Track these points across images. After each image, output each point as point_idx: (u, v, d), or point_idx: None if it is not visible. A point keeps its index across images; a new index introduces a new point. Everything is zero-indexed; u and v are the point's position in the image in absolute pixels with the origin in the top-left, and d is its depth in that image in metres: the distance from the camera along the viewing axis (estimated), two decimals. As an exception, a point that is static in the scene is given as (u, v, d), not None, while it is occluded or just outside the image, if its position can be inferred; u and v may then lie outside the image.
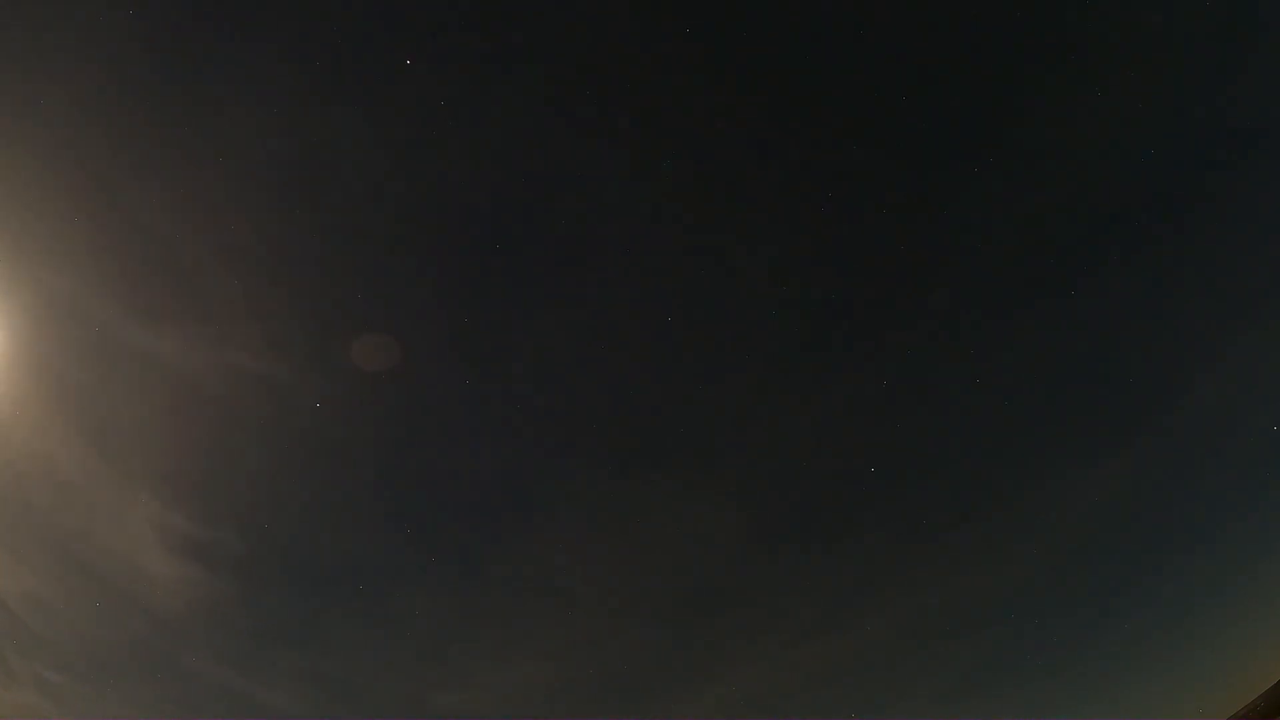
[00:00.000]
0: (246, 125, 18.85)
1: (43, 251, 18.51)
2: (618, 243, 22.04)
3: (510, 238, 20.79)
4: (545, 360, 21.69)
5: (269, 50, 18.54)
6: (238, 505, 20.22)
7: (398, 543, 21.47)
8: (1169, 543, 28.54)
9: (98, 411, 19.17)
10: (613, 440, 22.09)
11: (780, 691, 25.12)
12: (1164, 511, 28.46)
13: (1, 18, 17.44)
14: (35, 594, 19.35)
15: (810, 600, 26.47)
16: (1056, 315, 25.78)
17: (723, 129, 21.67)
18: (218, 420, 20.02)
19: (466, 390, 20.92)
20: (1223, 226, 24.52)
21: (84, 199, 18.77)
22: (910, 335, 25.34)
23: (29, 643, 19.46)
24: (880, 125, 22.57)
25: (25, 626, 19.31)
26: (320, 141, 19.58)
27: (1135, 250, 25.05)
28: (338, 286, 20.28)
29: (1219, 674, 27.97)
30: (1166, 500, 28.29)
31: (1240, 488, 27.28)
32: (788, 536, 25.50)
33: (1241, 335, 25.50)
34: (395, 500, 21.37)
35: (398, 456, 20.94)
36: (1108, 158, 23.33)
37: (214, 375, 19.29)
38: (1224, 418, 26.68)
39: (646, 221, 22.11)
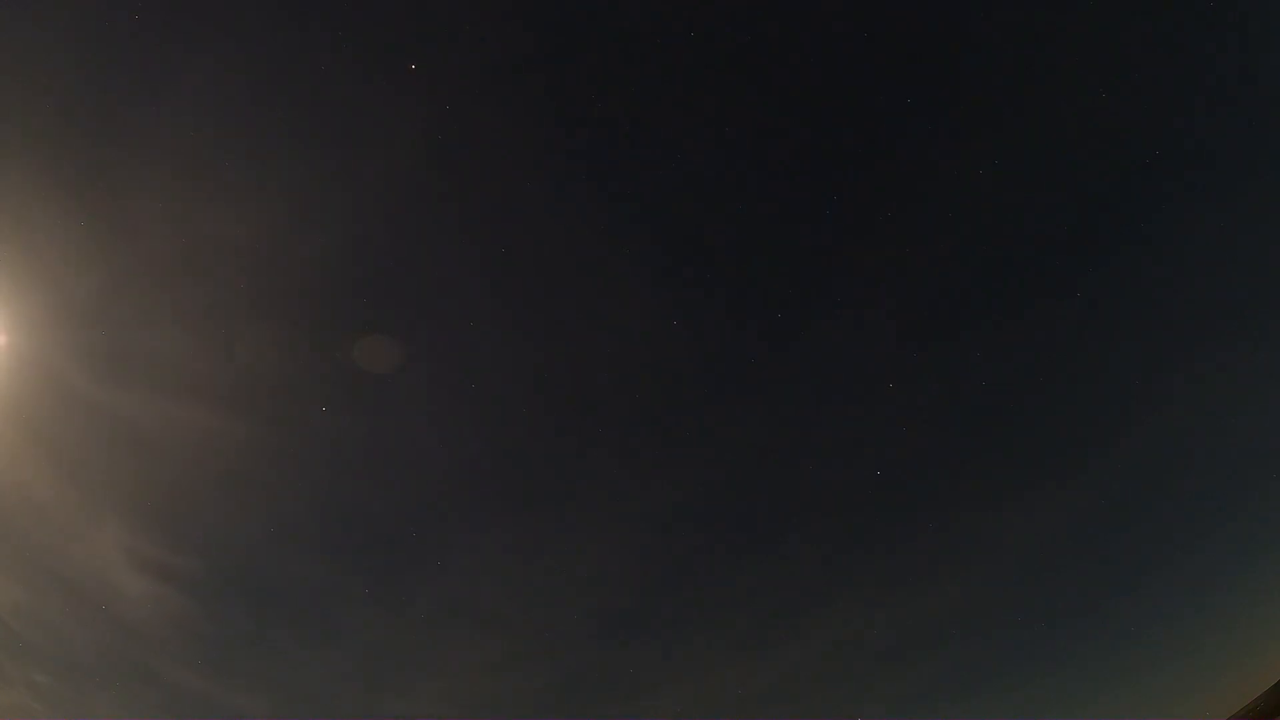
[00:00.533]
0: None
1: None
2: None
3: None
4: (445, 403, 23.50)
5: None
6: (195, 532, 22.94)
7: (335, 568, 24.53)
8: (1169, 543, 28.62)
9: (67, 449, 21.79)
10: (521, 480, 25.02)
11: (708, 708, 26.82)
12: (1164, 511, 28.60)
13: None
14: (22, 605, 21.99)
15: (736, 621, 28.05)
16: (1023, 323, 26.10)
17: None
18: (175, 462, 22.68)
19: (389, 435, 23.92)
20: (1177, 247, 24.60)
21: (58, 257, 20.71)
22: (867, 346, 25.92)
23: (18, 648, 22.15)
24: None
25: (15, 634, 21.99)
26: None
27: (1091, 267, 25.29)
28: (281, 353, 22.39)
29: (1219, 674, 27.97)
30: (1166, 500, 28.45)
31: (1240, 488, 27.28)
32: (710, 558, 27.30)
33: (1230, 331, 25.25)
34: (331, 531, 24.44)
35: (332, 494, 23.86)
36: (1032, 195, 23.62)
37: (170, 427, 21.95)
38: (1216, 416, 26.77)
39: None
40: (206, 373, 21.75)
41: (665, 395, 25.30)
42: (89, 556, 21.90)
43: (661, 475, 26.09)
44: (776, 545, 27.28)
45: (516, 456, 24.85)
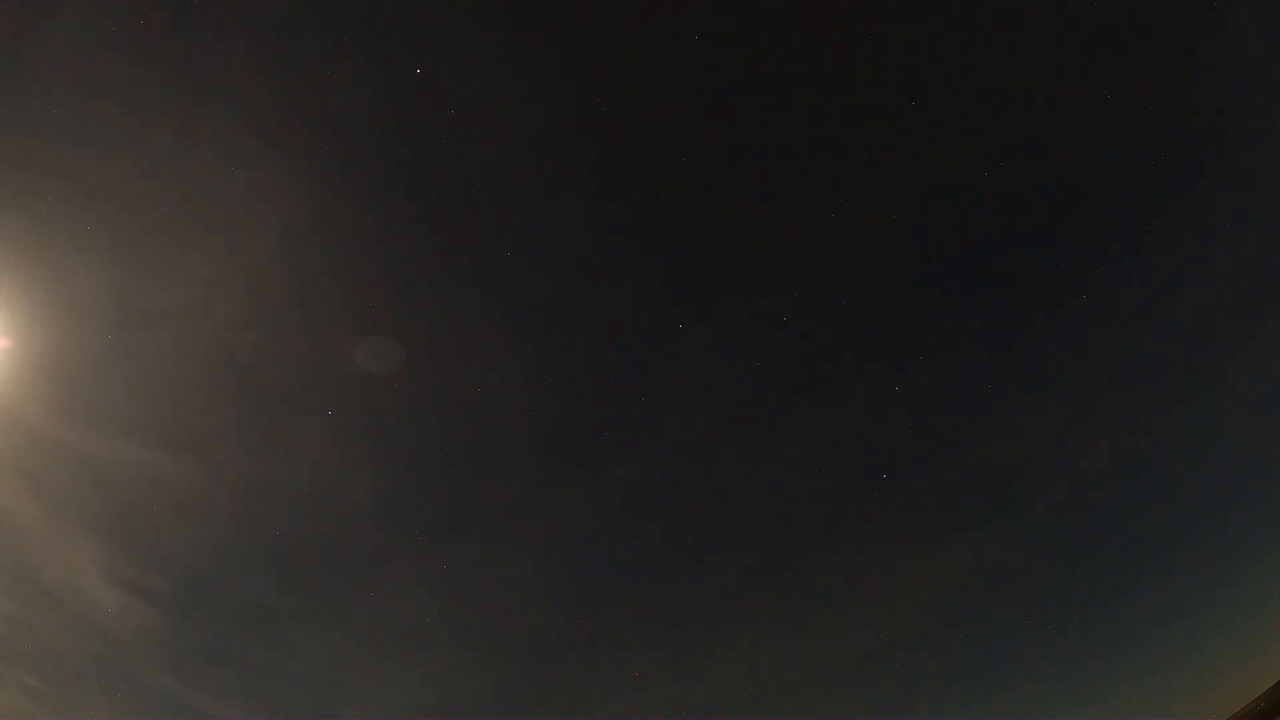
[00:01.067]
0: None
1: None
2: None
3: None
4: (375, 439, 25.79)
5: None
6: (160, 553, 25.13)
7: (282, 588, 26.73)
8: (1169, 543, 28.66)
9: (39, 477, 23.93)
10: (439, 510, 26.94)
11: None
12: (1164, 511, 28.61)
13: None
14: (11, 614, 23.93)
15: (666, 640, 29.45)
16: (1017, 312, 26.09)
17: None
18: (135, 497, 24.66)
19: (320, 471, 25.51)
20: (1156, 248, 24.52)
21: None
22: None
23: (10, 654, 24.12)
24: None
25: (7, 640, 24.03)
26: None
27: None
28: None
29: (1219, 674, 28.11)
30: (1166, 500, 28.45)
31: (1240, 488, 27.38)
32: (639, 579, 28.92)
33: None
34: (275, 556, 26.43)
35: (269, 523, 25.89)
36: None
37: (130, 469, 24.03)
38: (1216, 416, 26.87)
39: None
40: (158, 419, 23.78)
41: (591, 417, 26.46)
42: (66, 570, 24.04)
43: (587, 499, 27.84)
44: (707, 565, 28.85)
45: (445, 483, 26.92)
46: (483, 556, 27.31)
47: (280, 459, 24.99)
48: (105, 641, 24.26)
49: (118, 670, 24.37)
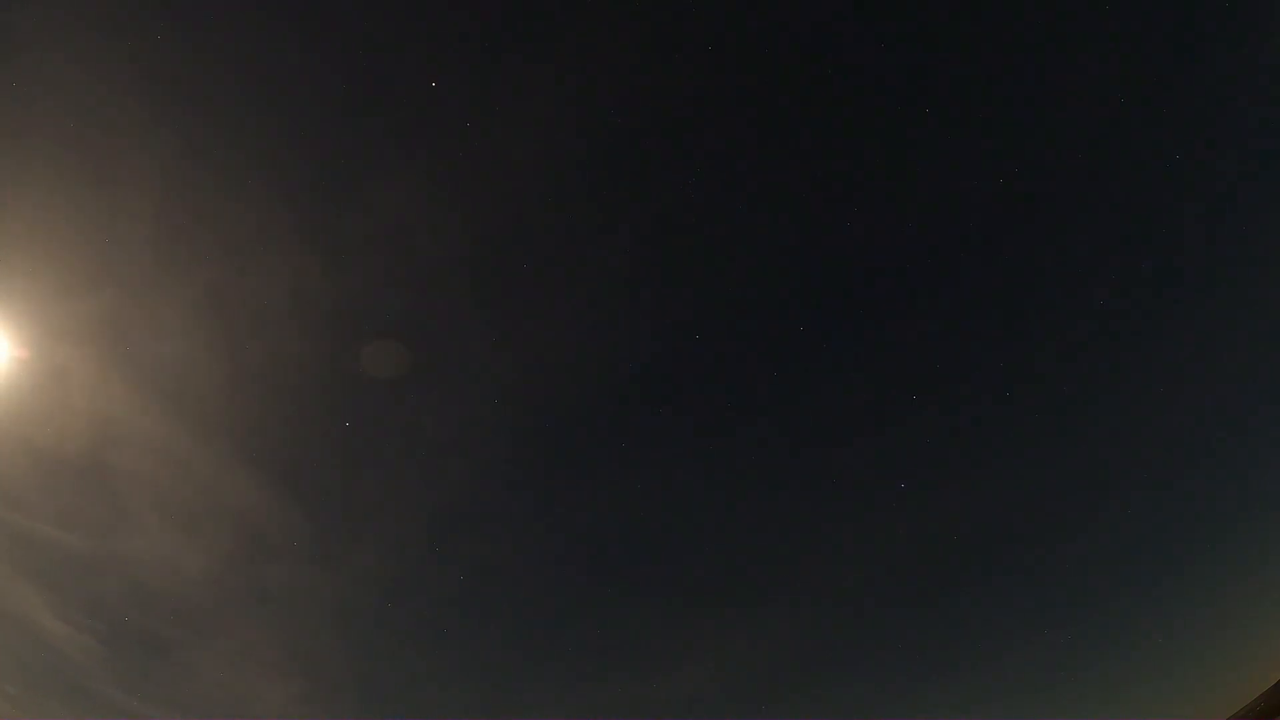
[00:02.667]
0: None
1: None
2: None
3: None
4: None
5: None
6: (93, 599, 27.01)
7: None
8: (1169, 543, 28.78)
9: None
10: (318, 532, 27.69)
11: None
12: (1164, 511, 28.68)
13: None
14: None
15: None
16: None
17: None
18: None
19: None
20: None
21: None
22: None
23: None
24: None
25: None
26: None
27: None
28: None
29: (1219, 674, 28.28)
30: (1166, 500, 28.52)
31: (1240, 488, 27.42)
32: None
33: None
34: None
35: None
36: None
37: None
38: (1216, 416, 26.92)
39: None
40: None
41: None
42: (18, 603, 26.40)
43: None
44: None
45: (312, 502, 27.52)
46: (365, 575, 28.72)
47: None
48: (59, 658, 27.09)
49: (73, 682, 27.51)
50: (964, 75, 22.37)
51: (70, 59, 19.92)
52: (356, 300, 24.17)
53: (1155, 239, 24.96)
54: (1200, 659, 28.17)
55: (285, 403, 24.91)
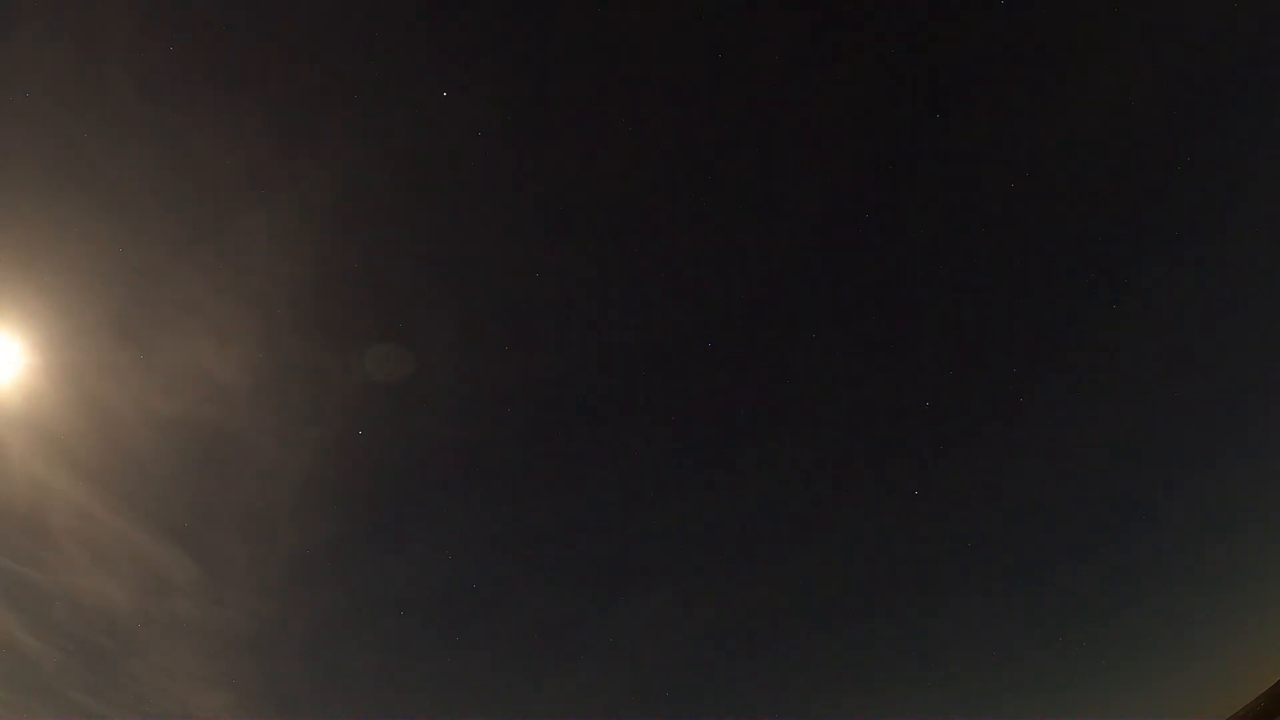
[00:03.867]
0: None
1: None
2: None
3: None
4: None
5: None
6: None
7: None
8: (1169, 543, 28.70)
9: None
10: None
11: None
12: (1164, 511, 28.58)
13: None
14: None
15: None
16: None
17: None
18: None
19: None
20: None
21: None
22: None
23: None
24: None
25: None
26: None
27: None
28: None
29: (1219, 674, 28.24)
30: (1166, 500, 28.45)
31: (1240, 488, 27.29)
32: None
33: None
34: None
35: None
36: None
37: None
38: (1217, 416, 26.85)
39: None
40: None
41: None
42: None
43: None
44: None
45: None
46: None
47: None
48: (34, 665, 29.48)
49: (49, 688, 29.77)
50: (974, 78, 22.37)
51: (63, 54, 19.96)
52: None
53: (1164, 243, 25.02)
54: (1200, 659, 28.25)
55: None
